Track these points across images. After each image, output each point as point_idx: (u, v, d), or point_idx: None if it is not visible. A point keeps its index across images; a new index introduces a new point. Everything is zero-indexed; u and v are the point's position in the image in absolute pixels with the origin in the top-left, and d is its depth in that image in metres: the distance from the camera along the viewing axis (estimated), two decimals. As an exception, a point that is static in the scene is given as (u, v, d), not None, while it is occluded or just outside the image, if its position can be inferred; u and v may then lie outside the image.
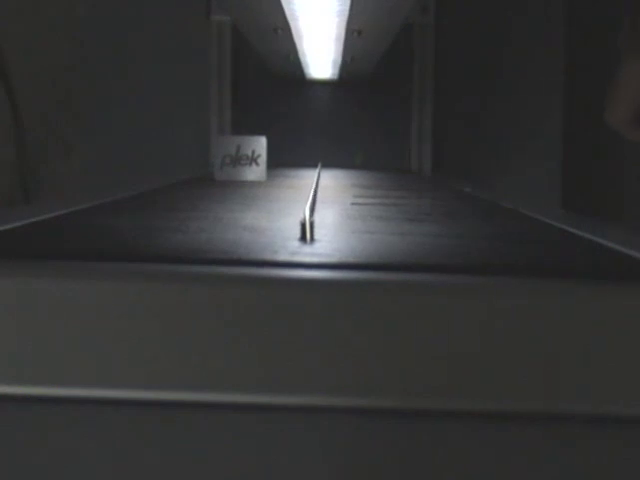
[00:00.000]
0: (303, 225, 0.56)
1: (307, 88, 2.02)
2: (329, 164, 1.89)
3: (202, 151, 1.93)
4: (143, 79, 1.96)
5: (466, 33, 1.97)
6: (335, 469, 0.40)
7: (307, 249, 0.51)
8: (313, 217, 0.59)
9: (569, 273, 0.43)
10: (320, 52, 1.55)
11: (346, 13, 1.13)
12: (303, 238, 0.55)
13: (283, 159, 1.84)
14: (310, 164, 1.83)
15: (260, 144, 1.26)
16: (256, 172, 1.26)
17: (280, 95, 2.00)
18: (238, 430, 0.40)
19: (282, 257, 0.47)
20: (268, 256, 0.48)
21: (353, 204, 0.89)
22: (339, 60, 1.64)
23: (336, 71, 1.83)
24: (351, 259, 0.47)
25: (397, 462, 0.40)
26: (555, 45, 1.94)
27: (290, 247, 0.52)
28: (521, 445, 0.40)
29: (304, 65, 1.74)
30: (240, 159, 1.26)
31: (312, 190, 0.89)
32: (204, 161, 1.88)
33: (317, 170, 1.46)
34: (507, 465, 0.40)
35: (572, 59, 1.90)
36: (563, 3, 1.93)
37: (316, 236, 0.56)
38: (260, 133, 1.28)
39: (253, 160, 1.26)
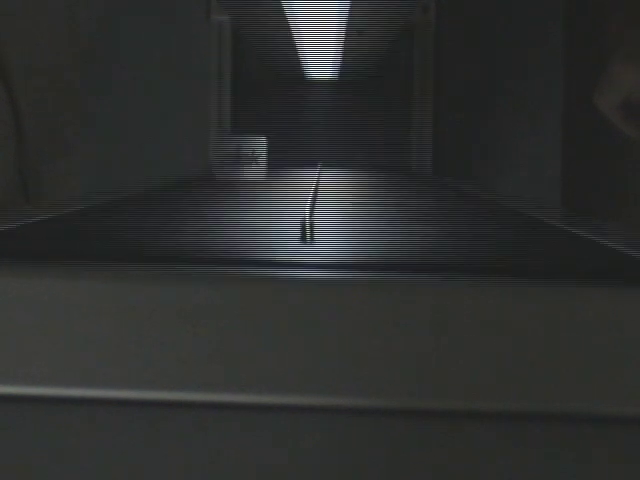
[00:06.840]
0: (303, 225, 0.56)
1: (307, 88, 2.01)
2: (329, 164, 1.89)
3: (202, 151, 1.93)
4: (143, 79, 1.96)
5: (466, 33, 1.97)
6: (335, 469, 0.40)
7: (307, 249, 0.51)
8: (313, 217, 0.59)
9: (569, 273, 0.43)
10: (320, 52, 1.55)
11: (346, 13, 1.12)
12: (303, 238, 0.55)
13: (283, 159, 1.84)
14: (310, 164, 1.83)
15: (260, 144, 1.26)
16: (256, 172, 1.26)
17: (280, 95, 1.99)
18: (238, 430, 0.40)
19: (282, 257, 0.47)
20: (268, 256, 0.48)
21: (353, 204, 0.89)
22: (339, 60, 1.64)
23: (336, 71, 1.83)
24: (351, 259, 0.47)
25: (397, 462, 0.40)
26: (555, 45, 1.94)
27: (290, 247, 0.52)
28: (521, 445, 0.40)
29: (304, 65, 1.74)
30: (240, 159, 1.26)
31: (312, 190, 0.89)
32: (204, 161, 1.88)
33: (317, 170, 1.46)
34: (507, 465, 0.40)
35: (572, 58, 1.90)
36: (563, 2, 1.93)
37: (316, 236, 0.56)
38: (260, 133, 1.28)
39: (253, 160, 1.26)
